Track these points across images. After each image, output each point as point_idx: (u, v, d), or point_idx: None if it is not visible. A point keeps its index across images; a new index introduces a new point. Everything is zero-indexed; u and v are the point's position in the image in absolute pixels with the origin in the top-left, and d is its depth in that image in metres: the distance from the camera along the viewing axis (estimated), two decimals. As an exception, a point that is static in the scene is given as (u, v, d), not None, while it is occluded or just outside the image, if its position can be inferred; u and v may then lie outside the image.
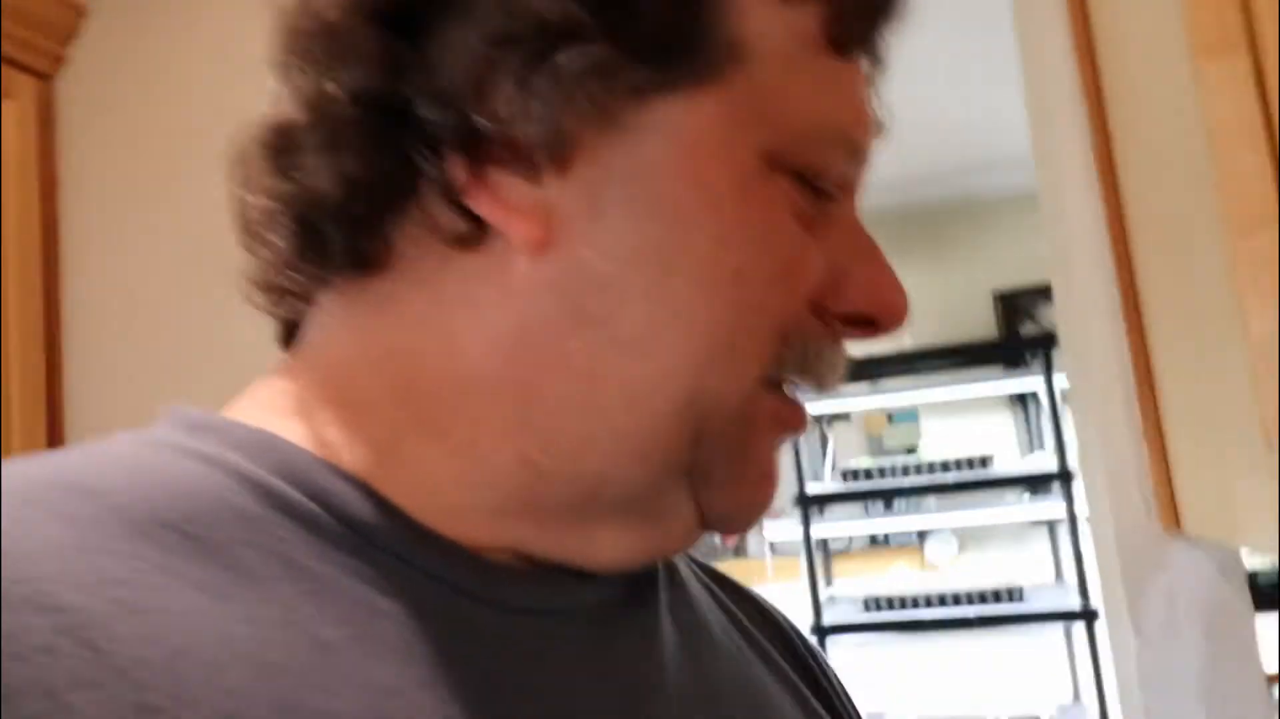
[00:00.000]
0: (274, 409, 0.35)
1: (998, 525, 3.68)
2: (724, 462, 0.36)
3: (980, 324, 3.85)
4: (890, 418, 5.42)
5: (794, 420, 0.38)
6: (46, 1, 1.38)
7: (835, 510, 3.95)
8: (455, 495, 0.34)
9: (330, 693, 0.28)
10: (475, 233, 0.34)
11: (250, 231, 0.36)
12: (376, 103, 0.32)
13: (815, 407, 3.83)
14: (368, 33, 0.32)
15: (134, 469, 0.31)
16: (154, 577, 0.28)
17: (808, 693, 0.45)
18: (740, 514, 0.38)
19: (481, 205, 0.33)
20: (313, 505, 0.32)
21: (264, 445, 0.33)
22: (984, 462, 3.25)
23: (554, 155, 0.33)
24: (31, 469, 0.30)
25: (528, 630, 0.35)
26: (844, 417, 5.53)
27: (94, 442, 0.34)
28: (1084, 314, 1.09)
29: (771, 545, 3.89)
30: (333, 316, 0.37)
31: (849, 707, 0.50)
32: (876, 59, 0.40)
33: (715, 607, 0.46)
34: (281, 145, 0.34)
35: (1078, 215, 1.08)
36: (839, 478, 3.51)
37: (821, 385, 0.38)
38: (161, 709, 0.25)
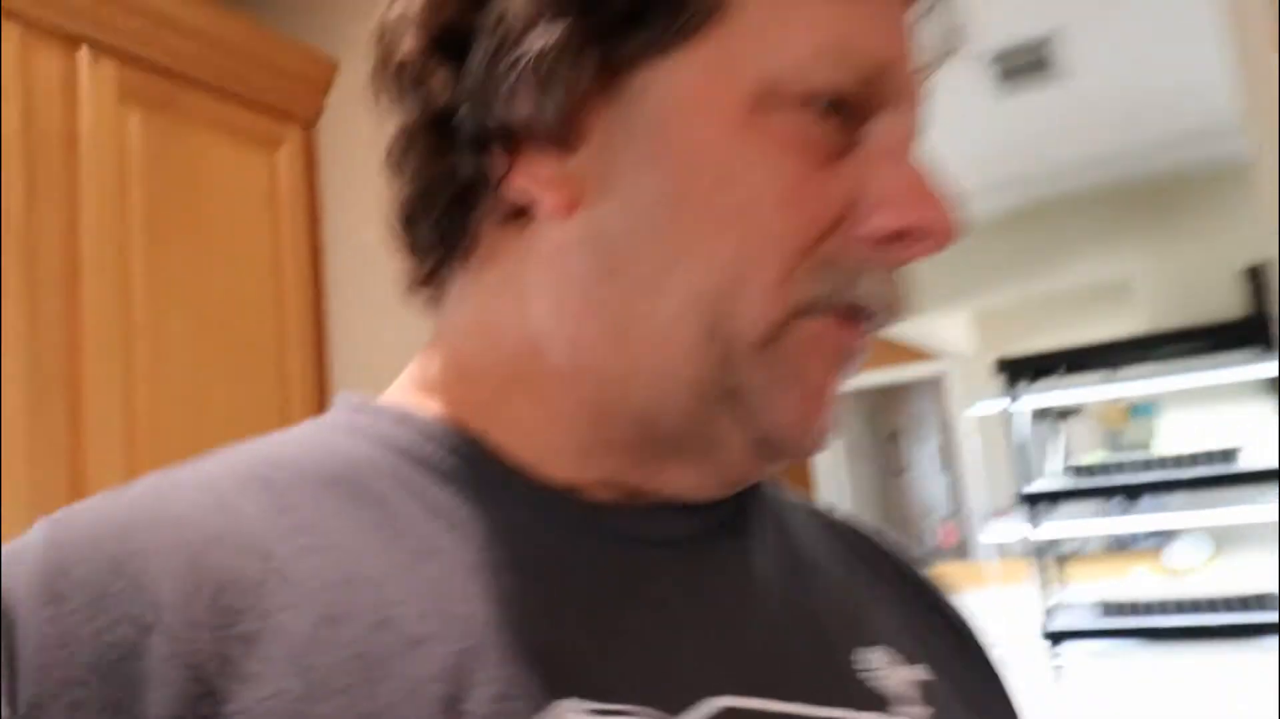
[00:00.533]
0: (414, 387, 0.44)
1: (1250, 526, 3.35)
2: (763, 384, 0.38)
3: (1226, 303, 3.52)
4: (1129, 411, 5.04)
5: (840, 341, 0.39)
6: (305, 58, 1.61)
7: (1068, 510, 3.74)
8: (548, 439, 0.40)
9: (463, 600, 0.36)
10: (523, 211, 0.40)
11: (391, 238, 0.44)
12: (438, 117, 0.39)
13: (1044, 399, 3.64)
14: (428, 63, 0.39)
15: (314, 445, 0.41)
16: (331, 521, 0.37)
17: (927, 634, 0.47)
18: (789, 434, 0.39)
19: (519, 184, 0.39)
20: (444, 460, 0.40)
21: (403, 418, 0.42)
22: (1230, 455, 2.97)
23: (564, 132, 0.38)
24: (244, 451, 0.40)
25: (623, 556, 0.40)
26: (1075, 410, 5.20)
27: (286, 429, 0.43)
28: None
29: (997, 547, 3.73)
30: (450, 302, 0.44)
31: (982, 665, 0.51)
32: None
33: (830, 546, 0.49)
34: (390, 162, 0.42)
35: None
36: (1069, 475, 3.32)
37: (875, 309, 0.39)
38: (337, 618, 0.34)
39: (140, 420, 1.32)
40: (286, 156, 1.60)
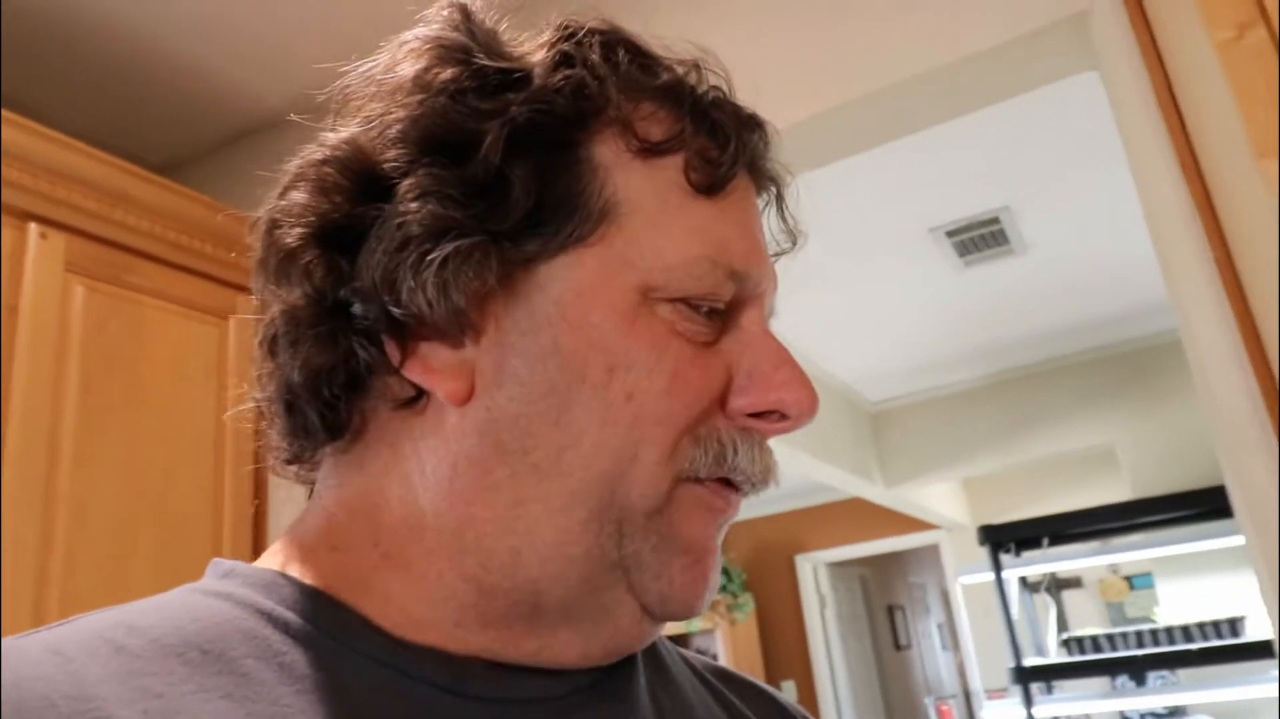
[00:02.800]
0: (286, 555, 0.44)
1: (1259, 700, 3.16)
2: (653, 551, 0.41)
3: (1213, 469, 3.47)
4: (1130, 583, 4.89)
5: (717, 504, 0.42)
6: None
7: (1071, 687, 3.55)
8: (421, 613, 0.41)
9: None
10: (416, 397, 0.42)
11: (263, 417, 0.45)
12: (325, 307, 0.41)
13: (1029, 568, 3.54)
14: (315, 254, 0.41)
15: (175, 610, 0.41)
16: (180, 687, 0.37)
17: None
18: (679, 595, 0.41)
19: (414, 373, 0.41)
20: (306, 625, 0.40)
21: (272, 583, 0.42)
22: (1234, 626, 2.85)
23: (461, 325, 0.40)
24: (102, 615, 0.40)
25: (487, 715, 0.40)
26: (1075, 583, 5.05)
27: (156, 595, 0.43)
28: (1243, 462, 1.00)
29: (996, 727, 3.51)
30: (328, 477, 0.45)
31: None
32: (769, 183, 0.47)
33: (711, 701, 0.50)
34: (268, 346, 0.43)
35: (1216, 358, 1.02)
36: (1065, 648, 3.18)
37: (749, 478, 0.43)
38: None
39: (52, 591, 1.27)
40: (236, 325, 1.62)
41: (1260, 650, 2.82)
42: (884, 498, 4.36)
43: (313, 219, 0.41)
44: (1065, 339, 3.81)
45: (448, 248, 0.39)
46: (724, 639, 5.83)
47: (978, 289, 3.22)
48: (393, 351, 0.41)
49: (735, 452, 0.42)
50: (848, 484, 4.00)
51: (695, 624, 5.76)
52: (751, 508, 6.30)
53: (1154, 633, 2.97)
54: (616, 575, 0.40)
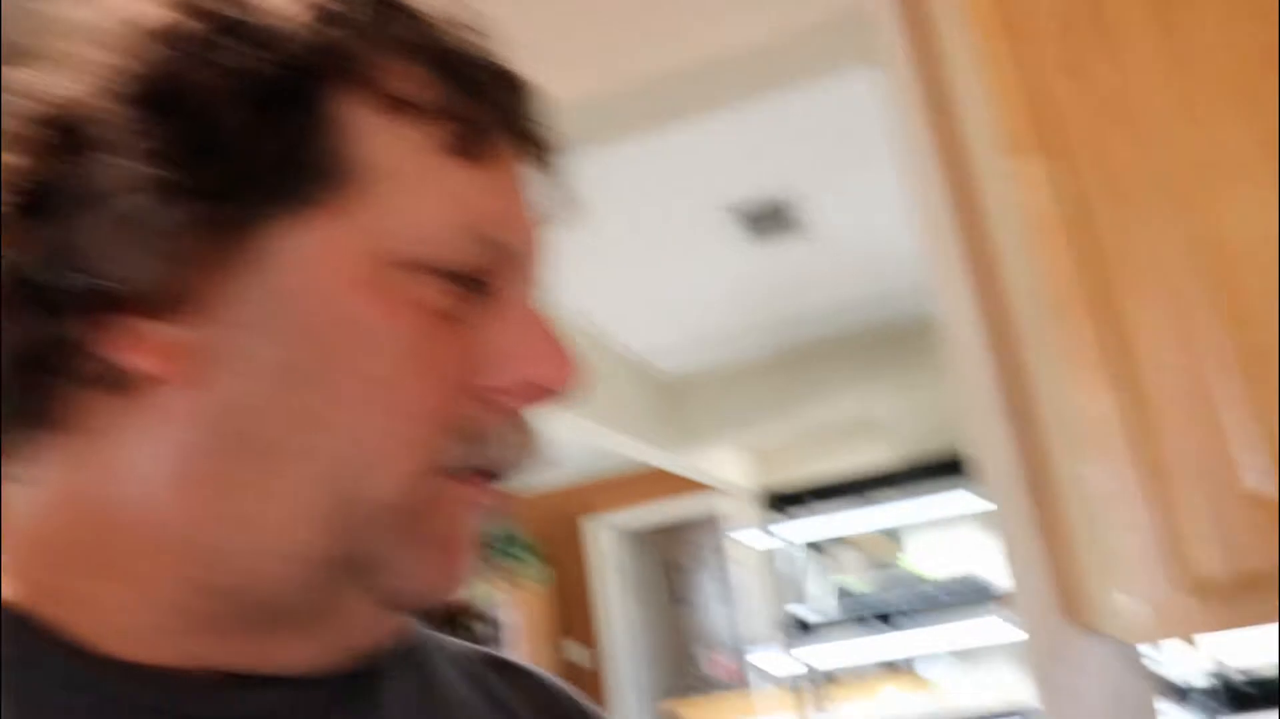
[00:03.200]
0: None
1: (995, 646, 3.57)
2: (399, 549, 0.37)
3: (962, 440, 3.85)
4: (889, 539, 5.34)
5: (475, 498, 0.39)
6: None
7: (835, 634, 3.85)
8: (139, 624, 0.37)
9: None
10: (126, 379, 0.36)
11: None
12: (21, 277, 0.35)
13: (800, 529, 3.79)
14: (8, 222, 0.35)
15: None
16: None
17: None
18: (425, 591, 0.39)
19: (122, 354, 0.35)
20: None
21: None
22: (975, 579, 3.19)
23: (177, 298, 0.35)
24: None
25: None
26: (844, 540, 5.45)
27: None
28: (987, 433, 1.11)
29: (769, 676, 3.77)
30: (32, 473, 0.39)
31: None
32: (540, 150, 0.43)
33: (478, 698, 0.48)
34: None
35: (968, 340, 1.12)
36: (833, 602, 3.44)
37: (507, 465, 0.40)
38: None
39: None
40: None
41: (996, 598, 3.18)
42: (672, 464, 4.52)
43: (11, 179, 0.35)
44: (842, 316, 4.08)
45: (160, 212, 0.34)
46: (512, 605, 5.86)
47: (766, 266, 3.38)
48: (99, 329, 0.35)
49: (492, 439, 0.39)
50: (638, 451, 4.12)
51: (491, 594, 5.75)
52: (543, 477, 6.35)
53: (906, 585, 3.27)
54: (352, 575, 0.37)
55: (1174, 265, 0.73)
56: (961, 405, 1.16)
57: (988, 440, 1.10)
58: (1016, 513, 1.07)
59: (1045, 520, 1.03)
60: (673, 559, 8.08)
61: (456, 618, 6.24)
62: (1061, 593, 1.00)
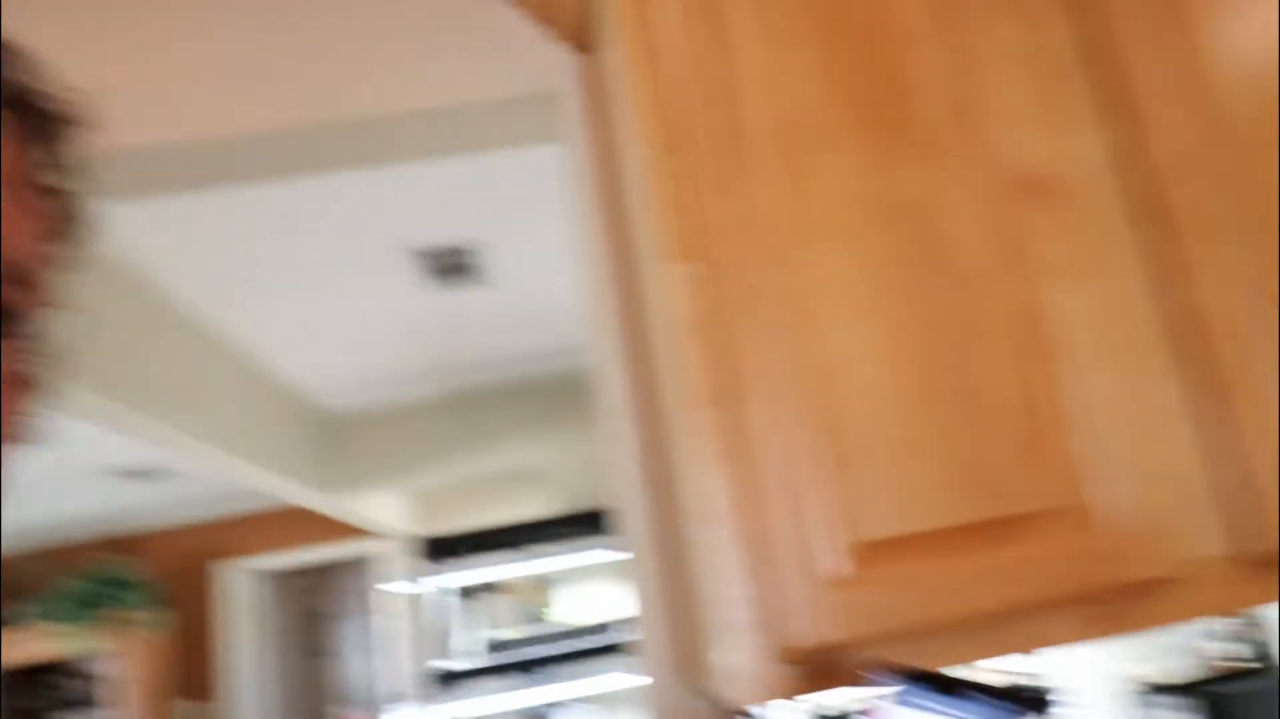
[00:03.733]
0: None
1: (626, 690, 3.76)
2: None
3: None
4: (546, 587, 5.45)
5: None
6: None
7: (478, 685, 3.84)
8: None
9: None
10: None
11: None
12: None
13: (455, 578, 3.77)
14: None
15: None
16: None
17: None
18: None
19: None
20: None
21: None
22: (604, 628, 3.35)
23: None
24: None
25: None
26: (499, 586, 5.48)
27: None
28: (626, 489, 1.20)
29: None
30: None
31: None
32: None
33: None
34: None
35: (619, 405, 1.21)
36: (481, 652, 3.44)
37: None
38: None
39: None
40: None
41: (623, 649, 3.36)
42: (325, 506, 4.30)
43: None
44: (512, 366, 4.16)
45: None
46: (126, 661, 5.20)
47: (442, 310, 3.38)
48: None
49: None
50: (287, 491, 3.88)
51: (84, 645, 5.06)
52: (171, 514, 5.75)
53: (549, 635, 3.35)
54: None
55: (785, 374, 0.85)
56: (609, 465, 1.24)
57: (629, 500, 1.18)
58: (648, 571, 1.16)
59: (673, 582, 1.13)
60: (315, 607, 7.63)
61: (35, 676, 5.41)
62: (680, 651, 1.10)
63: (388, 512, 5.23)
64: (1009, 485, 0.85)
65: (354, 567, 7.21)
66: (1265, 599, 0.86)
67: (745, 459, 0.84)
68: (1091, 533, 0.85)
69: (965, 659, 0.85)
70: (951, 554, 0.83)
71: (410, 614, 4.15)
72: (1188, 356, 0.89)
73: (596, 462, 4.14)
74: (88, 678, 5.47)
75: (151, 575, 5.41)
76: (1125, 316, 0.90)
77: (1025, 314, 0.88)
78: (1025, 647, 0.87)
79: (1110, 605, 0.85)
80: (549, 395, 4.27)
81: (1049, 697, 3.37)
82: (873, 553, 0.83)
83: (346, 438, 4.22)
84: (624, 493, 1.21)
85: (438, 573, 3.42)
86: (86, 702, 5.40)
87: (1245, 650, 3.87)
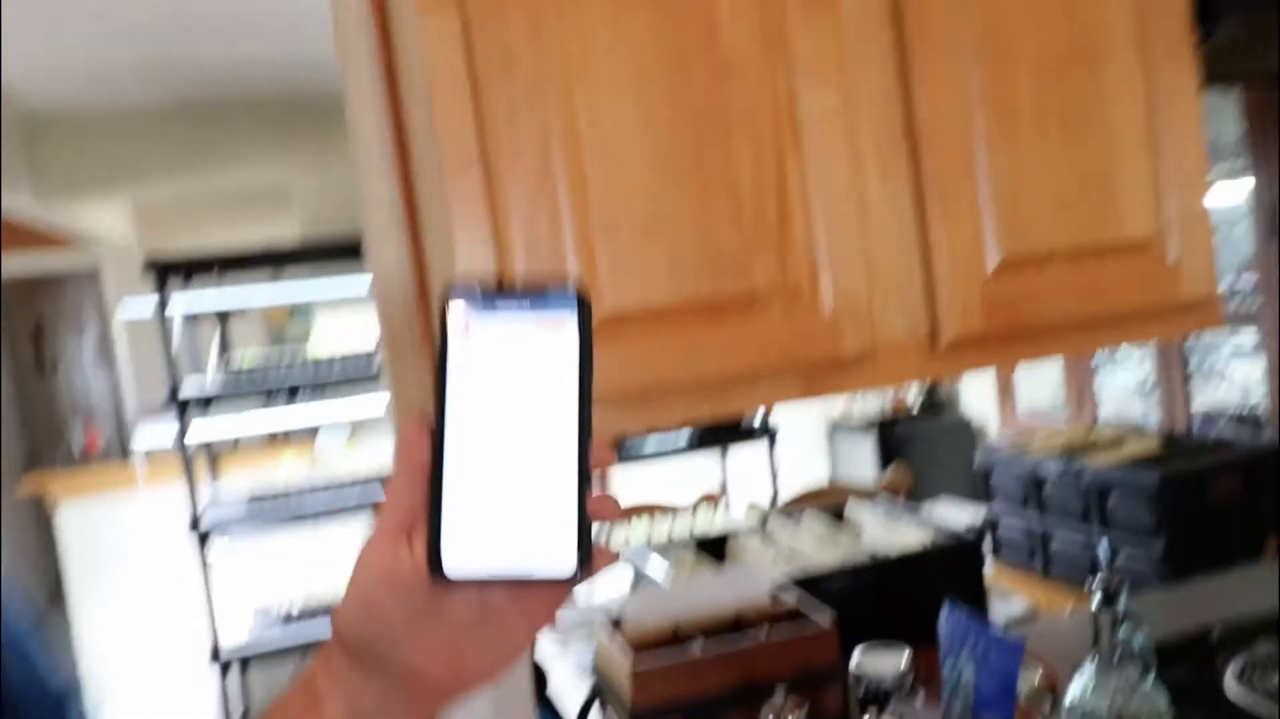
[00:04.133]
0: None
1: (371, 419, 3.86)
2: None
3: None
4: (292, 311, 5.31)
5: None
6: None
7: (224, 407, 3.78)
8: None
9: None
10: None
11: None
12: None
13: (197, 300, 3.58)
14: None
15: None
16: None
17: None
18: None
19: None
20: None
21: None
22: (369, 359, 3.37)
23: None
24: None
25: None
26: (239, 310, 5.27)
27: None
28: (376, 225, 1.15)
29: (148, 450, 3.60)
30: None
31: None
32: None
33: None
34: None
35: (368, 128, 1.13)
36: (226, 376, 3.35)
37: None
38: None
39: None
40: None
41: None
42: (33, 211, 3.85)
43: None
44: (251, 74, 3.75)
45: None
46: None
47: (166, 3, 2.93)
48: None
49: None
50: (-12, 195, 3.42)
51: None
52: None
53: (306, 363, 3.32)
54: None
55: (538, 143, 0.84)
56: (360, 183, 1.19)
57: (376, 251, 1.15)
58: (387, 293, 1.15)
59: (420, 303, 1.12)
60: (42, 322, 7.04)
61: None
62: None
63: (115, 223, 4.78)
64: (745, 266, 0.91)
65: (83, 282, 6.64)
66: (946, 374, 1.00)
67: (494, 227, 0.83)
68: (811, 312, 0.93)
69: (691, 418, 0.94)
70: (685, 327, 0.90)
71: (150, 333, 3.93)
72: (907, 159, 0.97)
73: (349, 186, 3.94)
74: None
75: None
76: (865, 116, 0.94)
77: (778, 105, 0.91)
78: (743, 408, 0.97)
79: (820, 375, 0.96)
80: (302, 113, 3.93)
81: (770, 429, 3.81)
82: (615, 324, 0.87)
83: (59, 141, 3.72)
84: (372, 241, 1.17)
85: (168, 294, 3.22)
86: None
87: (920, 396, 4.52)
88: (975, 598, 1.72)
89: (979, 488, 2.79)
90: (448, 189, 0.81)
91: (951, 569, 1.73)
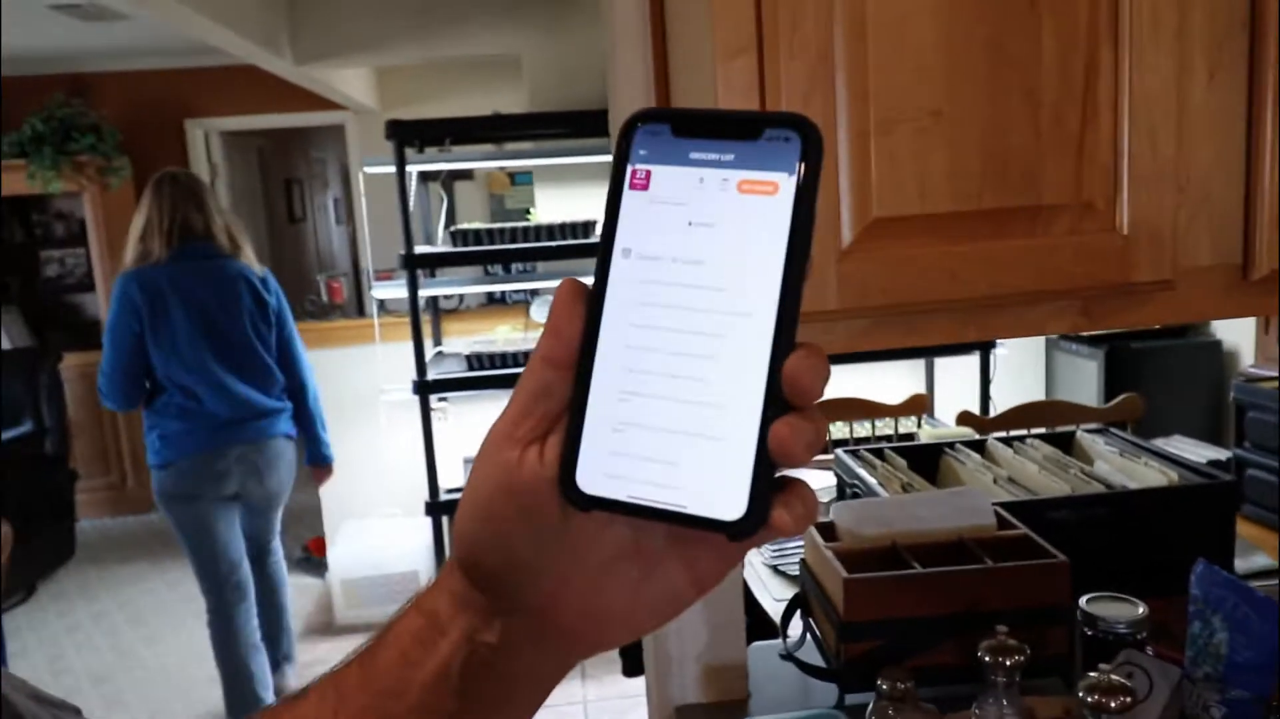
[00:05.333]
0: None
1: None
2: None
3: (598, 94, 3.90)
4: (513, 179, 5.46)
5: None
6: None
7: (450, 270, 3.98)
8: None
9: None
10: None
11: None
12: None
13: (437, 166, 3.74)
14: None
15: None
16: None
17: None
18: None
19: None
20: None
21: None
22: (587, 228, 3.41)
23: None
24: None
25: None
26: (467, 175, 5.48)
27: None
28: (624, 99, 1.12)
29: (381, 304, 3.85)
30: None
31: None
32: None
33: None
34: None
35: (624, 4, 1.09)
36: (452, 239, 3.50)
37: None
38: None
39: None
40: None
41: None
42: (291, 73, 4.10)
43: None
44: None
45: None
46: (91, 204, 5.24)
47: None
48: None
49: None
50: (251, 54, 3.66)
51: (56, 186, 5.05)
52: (131, 59, 5.45)
53: (525, 230, 3.41)
54: None
55: (822, 26, 0.76)
56: (609, 62, 1.15)
57: (623, 98, 1.11)
58: None
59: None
60: (289, 174, 7.62)
61: (21, 211, 5.47)
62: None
63: (354, 84, 5.02)
64: (1034, 174, 0.81)
65: (322, 134, 7.09)
66: (1255, 312, 0.88)
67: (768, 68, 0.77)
68: (1104, 231, 0.83)
69: (951, 338, 0.87)
70: (958, 238, 0.82)
71: (385, 197, 4.16)
72: (1242, 60, 0.82)
73: (586, 56, 3.91)
74: (67, 218, 5.55)
75: (111, 121, 5.26)
76: (1197, 3, 0.80)
77: (1100, -13, 0.78)
78: (1010, 332, 0.89)
79: (1104, 303, 0.86)
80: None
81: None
82: (882, 229, 0.81)
83: (311, 4, 3.91)
84: (621, 91, 1.12)
85: (410, 159, 3.36)
86: (69, 240, 5.54)
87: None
88: (1222, 549, 1.56)
89: (1223, 425, 2.52)
90: (719, 72, 0.76)
91: (1198, 513, 1.58)
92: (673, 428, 0.33)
